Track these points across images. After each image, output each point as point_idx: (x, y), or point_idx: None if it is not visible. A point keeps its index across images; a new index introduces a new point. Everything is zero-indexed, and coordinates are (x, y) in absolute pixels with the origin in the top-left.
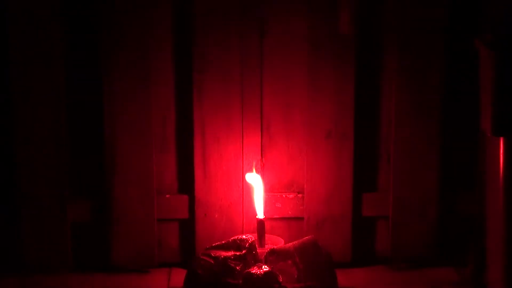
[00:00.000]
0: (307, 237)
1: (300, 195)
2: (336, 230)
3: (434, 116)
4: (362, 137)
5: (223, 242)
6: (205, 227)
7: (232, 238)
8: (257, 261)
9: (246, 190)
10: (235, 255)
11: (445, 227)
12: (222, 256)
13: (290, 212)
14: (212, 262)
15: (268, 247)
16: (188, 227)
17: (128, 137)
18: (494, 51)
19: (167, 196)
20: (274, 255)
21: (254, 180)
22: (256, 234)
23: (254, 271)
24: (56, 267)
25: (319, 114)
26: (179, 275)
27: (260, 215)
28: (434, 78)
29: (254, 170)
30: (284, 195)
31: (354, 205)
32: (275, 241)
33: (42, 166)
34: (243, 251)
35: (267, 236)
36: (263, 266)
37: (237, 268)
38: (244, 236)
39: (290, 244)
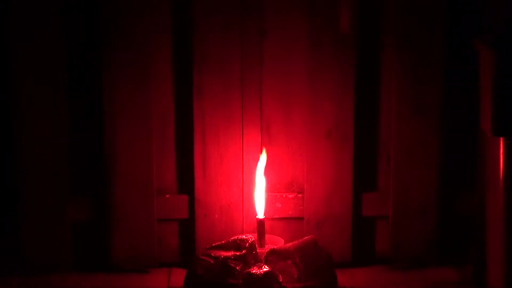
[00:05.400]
0: (307, 237)
1: (300, 195)
2: (336, 230)
3: (434, 116)
4: (362, 137)
5: (223, 242)
6: (205, 227)
7: (232, 238)
8: (257, 261)
9: (246, 190)
10: (235, 255)
11: (445, 227)
12: (222, 256)
13: (290, 212)
14: (212, 262)
15: (268, 247)
16: (188, 227)
17: (128, 137)
18: (494, 51)
19: (167, 196)
20: (274, 255)
21: (263, 163)
22: (256, 234)
23: (254, 271)
24: (56, 267)
25: (319, 114)
26: (179, 275)
27: (260, 215)
28: (434, 78)
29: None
30: (284, 195)
31: (354, 205)
32: (275, 241)
33: (42, 166)
34: (243, 251)
35: (267, 236)
36: (263, 266)
37: (237, 268)
38: (244, 236)
39: (290, 244)
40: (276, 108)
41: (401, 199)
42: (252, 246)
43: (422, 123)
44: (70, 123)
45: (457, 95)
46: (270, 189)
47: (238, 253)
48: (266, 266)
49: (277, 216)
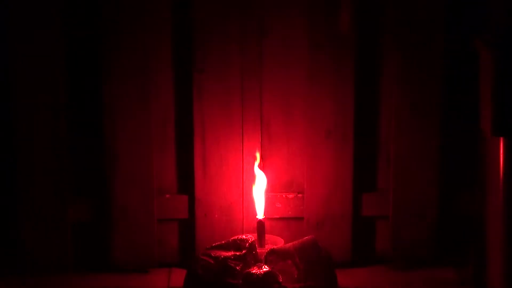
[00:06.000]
0: (307, 237)
1: (300, 195)
2: (336, 230)
3: (434, 116)
4: (362, 137)
5: (223, 242)
6: (205, 227)
7: (232, 238)
8: (257, 261)
9: (246, 190)
10: (235, 255)
11: (445, 227)
12: (222, 256)
13: (290, 212)
14: (212, 262)
15: (268, 247)
16: (188, 227)
17: (128, 137)
18: (494, 51)
19: (167, 196)
20: (274, 255)
21: (260, 174)
22: (256, 234)
23: (254, 271)
24: (56, 267)
25: (319, 114)
26: (179, 275)
27: (260, 215)
28: (434, 78)
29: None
30: (284, 195)
31: (354, 205)
32: (275, 241)
33: (42, 166)
34: (243, 251)
35: (267, 236)
36: (263, 266)
37: (237, 268)
38: (244, 236)
39: (290, 244)
40: (276, 108)
41: (401, 199)
42: (252, 246)
43: (422, 123)
44: (70, 123)
45: (457, 95)
46: (270, 189)
47: (238, 253)
48: (266, 266)
49: (277, 216)
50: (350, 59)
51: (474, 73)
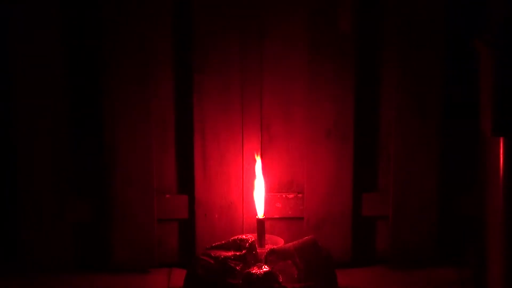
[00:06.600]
0: (307, 237)
1: (300, 195)
2: (336, 230)
3: (434, 116)
4: (362, 137)
5: (223, 242)
6: (205, 227)
7: (232, 238)
8: (257, 261)
9: (246, 190)
10: (235, 255)
11: (445, 227)
12: (222, 256)
13: (290, 212)
14: (212, 262)
15: (268, 247)
16: (188, 227)
17: (128, 137)
18: (494, 51)
19: (167, 196)
20: (274, 255)
21: (260, 174)
22: (256, 234)
23: (254, 271)
24: (56, 267)
25: (319, 114)
26: (179, 275)
27: (260, 215)
28: (434, 79)
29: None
30: (284, 195)
31: (354, 205)
32: (275, 241)
33: (42, 166)
34: (243, 251)
35: (267, 236)
36: (263, 266)
37: (237, 268)
38: (244, 236)
39: (290, 244)
40: (276, 108)
41: (401, 199)
42: (252, 246)
43: (422, 123)
44: (71, 123)
45: (457, 95)
46: (270, 189)
47: (238, 253)
48: (266, 266)
49: (277, 216)
50: (350, 59)
51: (474, 73)
